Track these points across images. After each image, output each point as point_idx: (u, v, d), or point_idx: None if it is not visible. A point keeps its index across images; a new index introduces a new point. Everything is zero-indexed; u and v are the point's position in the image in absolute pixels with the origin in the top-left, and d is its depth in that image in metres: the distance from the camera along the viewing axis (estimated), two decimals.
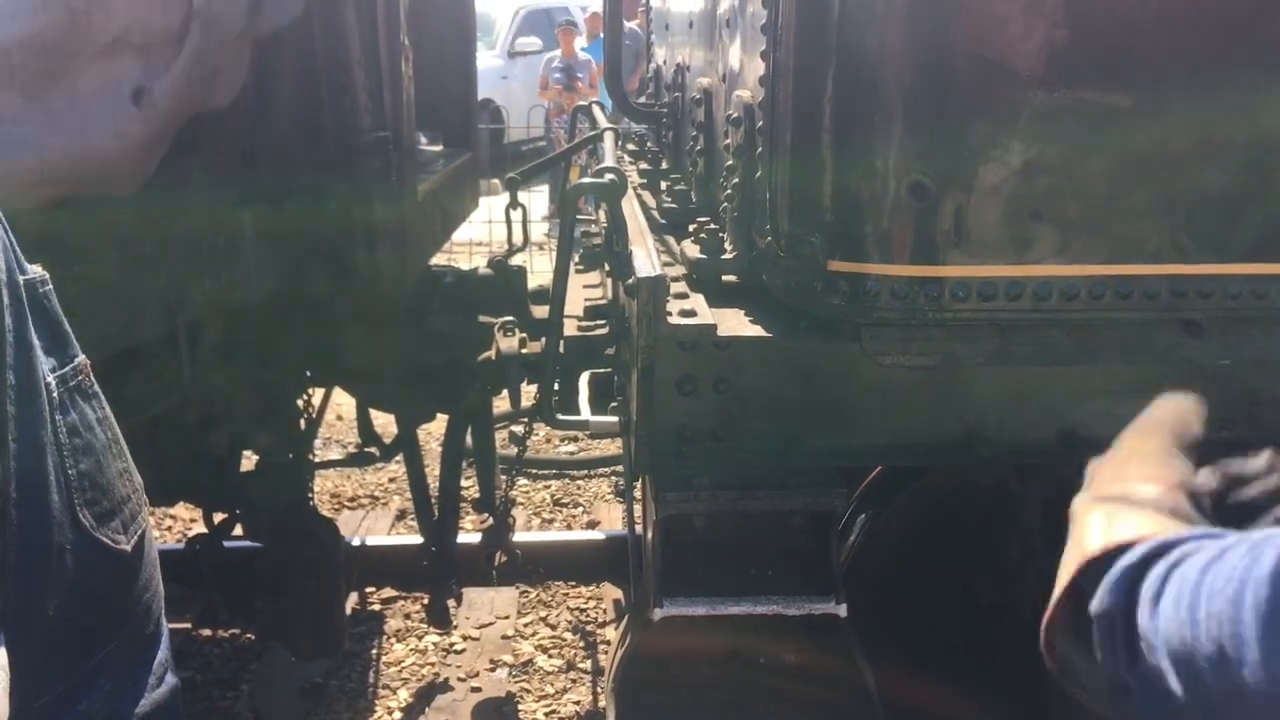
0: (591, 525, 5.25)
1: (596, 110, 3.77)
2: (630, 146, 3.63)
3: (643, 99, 4.10)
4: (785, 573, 1.98)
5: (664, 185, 2.90)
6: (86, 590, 1.10)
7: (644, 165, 3.17)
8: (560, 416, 2.16)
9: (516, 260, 3.39)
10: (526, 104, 12.79)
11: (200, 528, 3.85)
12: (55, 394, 1.07)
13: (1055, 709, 2.19)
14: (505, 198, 3.57)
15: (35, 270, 1.07)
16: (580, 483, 5.76)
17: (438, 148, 4.17)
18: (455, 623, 4.27)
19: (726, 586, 1.96)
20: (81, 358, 1.11)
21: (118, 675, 1.17)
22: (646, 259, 1.98)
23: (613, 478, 5.76)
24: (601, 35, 14.34)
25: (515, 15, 17.23)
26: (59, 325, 1.11)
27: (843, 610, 1.93)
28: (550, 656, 4.26)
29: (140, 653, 1.21)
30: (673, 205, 2.63)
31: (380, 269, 3.03)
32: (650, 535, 2.04)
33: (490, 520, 3.29)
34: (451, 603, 3.65)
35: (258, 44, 2.73)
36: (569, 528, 5.27)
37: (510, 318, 2.82)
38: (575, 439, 6.02)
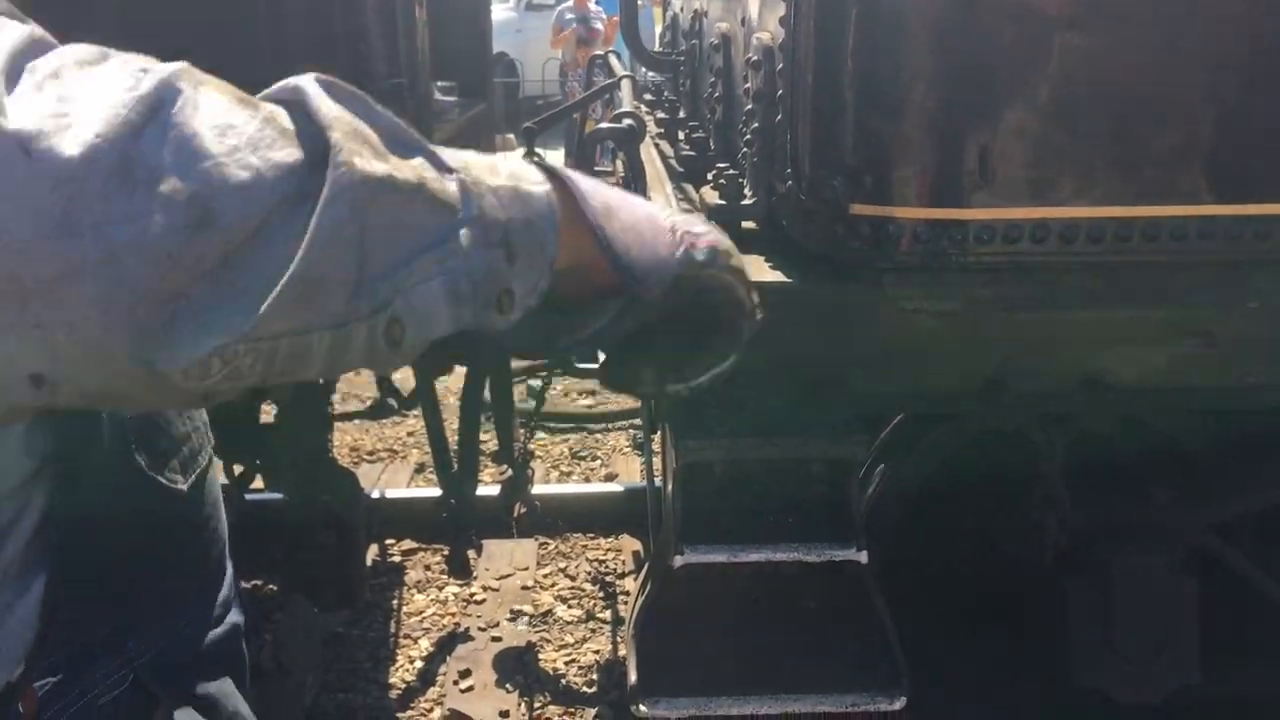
0: (610, 478, 5.26)
1: (613, 60, 3.73)
2: (647, 96, 3.59)
3: (659, 48, 4.05)
4: (806, 520, 1.98)
5: (682, 134, 2.87)
6: (143, 530, 1.09)
7: (661, 114, 3.13)
8: (578, 364, 2.15)
9: None
10: (541, 58, 12.65)
11: (221, 480, 3.86)
12: None
13: (1076, 656, 2.19)
14: (519, 153, 3.53)
15: None
16: (598, 436, 5.77)
17: (452, 99, 4.14)
18: (475, 574, 4.29)
19: (746, 534, 1.96)
20: None
21: (176, 612, 1.16)
22: (665, 205, 1.95)
23: (630, 431, 5.77)
24: None
25: None
26: None
27: (864, 557, 1.92)
28: (570, 607, 4.29)
29: (200, 590, 1.21)
30: (691, 153, 2.59)
31: None
32: (670, 483, 2.04)
33: (509, 472, 3.29)
34: (471, 554, 3.67)
35: None
36: (587, 480, 5.28)
37: None
38: (593, 392, 6.02)
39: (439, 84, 3.95)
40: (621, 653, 4.03)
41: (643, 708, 1.99)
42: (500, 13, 13.60)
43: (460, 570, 3.64)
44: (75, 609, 1.01)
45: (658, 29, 6.24)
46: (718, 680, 2.03)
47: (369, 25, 3.00)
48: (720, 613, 2.08)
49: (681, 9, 3.55)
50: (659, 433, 3.93)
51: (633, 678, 2.02)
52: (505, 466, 3.37)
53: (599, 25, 12.63)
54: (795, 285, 1.95)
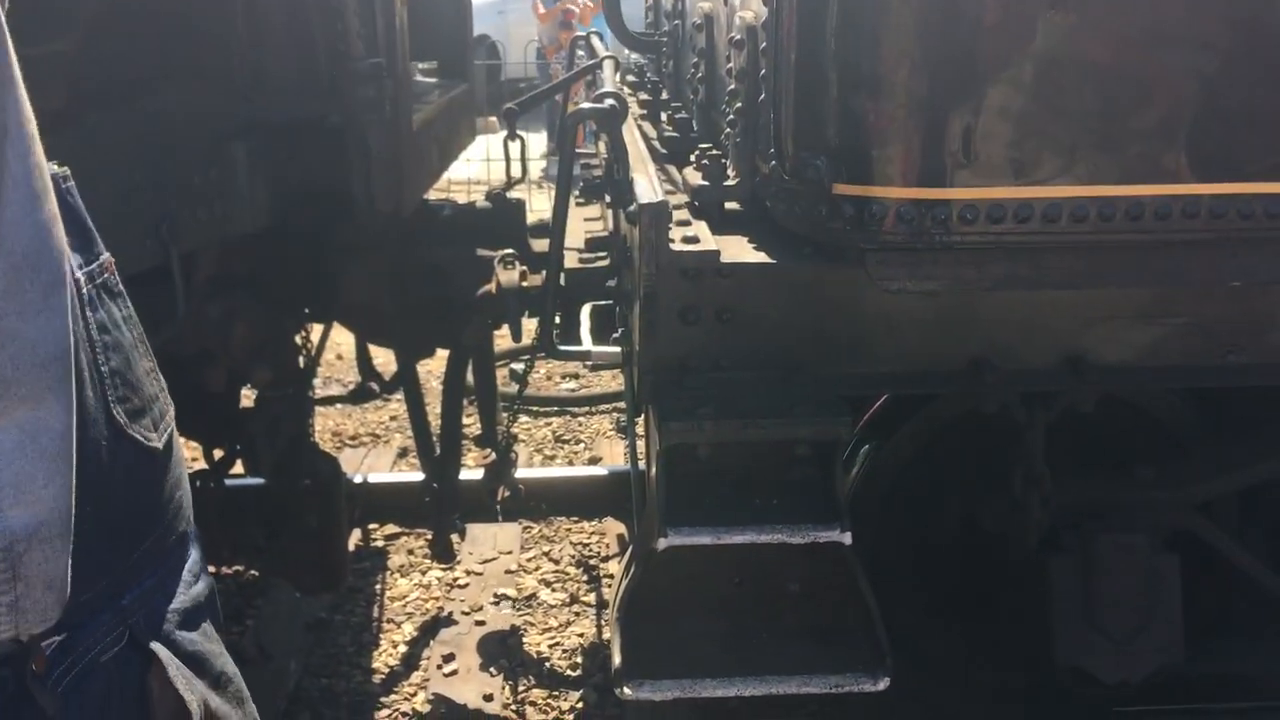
0: (593, 461, 5.24)
1: (595, 40, 3.70)
2: (630, 77, 3.57)
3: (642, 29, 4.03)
4: (790, 501, 1.97)
5: (664, 115, 2.85)
6: (123, 487, 1.11)
7: (644, 96, 3.12)
8: (562, 347, 2.14)
9: (514, 194, 3.33)
10: (523, 40, 12.58)
11: (201, 464, 3.84)
12: (84, 290, 1.07)
13: (1059, 636, 2.19)
14: (501, 135, 3.51)
15: (54, 167, 1.04)
16: (581, 419, 5.75)
17: (433, 80, 4.10)
18: (459, 558, 4.28)
19: (730, 516, 1.95)
20: (106, 255, 1.10)
21: (155, 572, 1.18)
22: (648, 185, 1.94)
23: (614, 414, 5.75)
24: None
25: None
26: (83, 222, 1.11)
27: (847, 538, 1.92)
28: (553, 590, 4.28)
29: (175, 550, 1.22)
30: (674, 134, 2.58)
31: (376, 199, 2.98)
32: (653, 466, 2.03)
33: (493, 457, 3.28)
34: (455, 538, 3.66)
35: None
36: (571, 464, 5.27)
37: (510, 250, 2.78)
38: (576, 376, 6.00)
39: (419, 65, 3.91)
40: (605, 636, 4.03)
41: (627, 690, 1.99)
42: None
43: (444, 554, 3.63)
44: (75, 566, 1.01)
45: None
46: (702, 662, 2.03)
47: (346, 4, 2.97)
48: (704, 595, 2.07)
49: None
50: (643, 415, 3.94)
51: (617, 660, 2.02)
52: (489, 450, 3.36)
53: (574, 9, 12.56)
54: (778, 265, 1.94)
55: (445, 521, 3.57)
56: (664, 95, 3.24)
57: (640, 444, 3.75)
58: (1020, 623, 2.30)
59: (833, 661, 2.00)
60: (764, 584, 2.07)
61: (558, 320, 2.41)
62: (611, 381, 5.91)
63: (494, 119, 9.96)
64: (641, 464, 3.79)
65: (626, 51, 4.09)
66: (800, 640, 2.06)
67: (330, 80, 2.93)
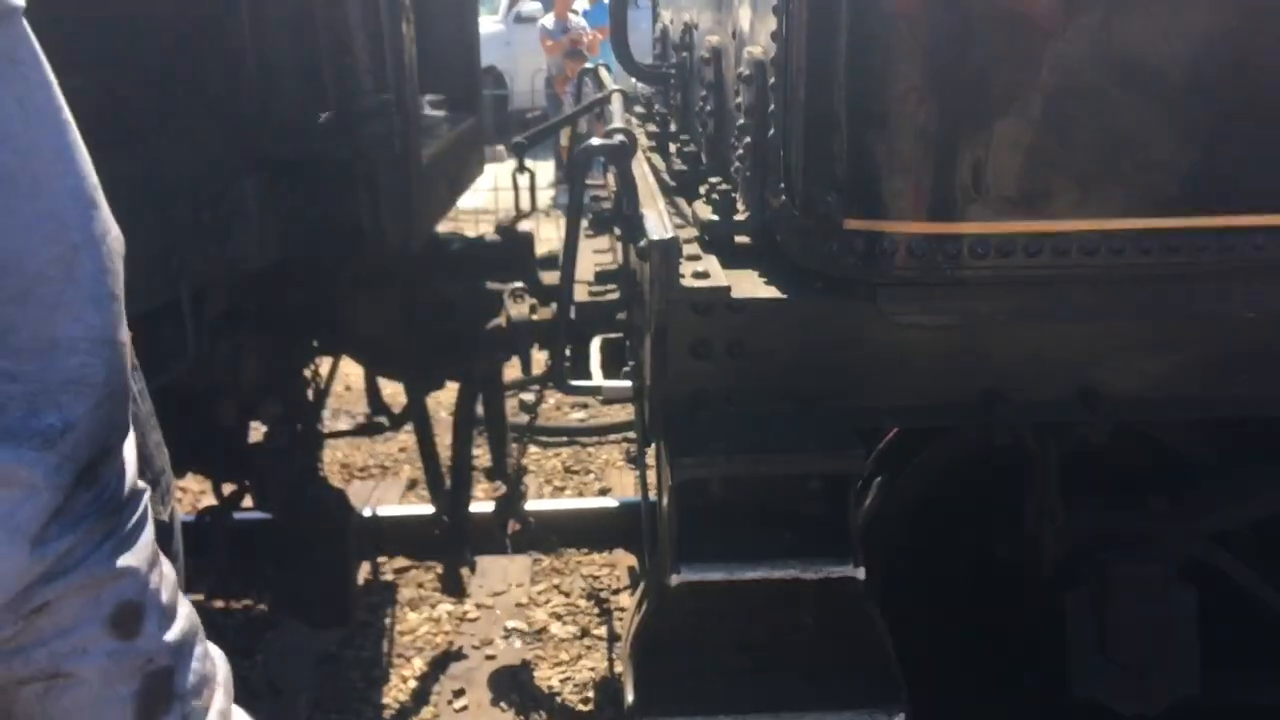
0: (603, 492, 5.24)
1: (603, 72, 3.73)
2: (638, 108, 3.59)
3: (649, 60, 4.05)
4: (802, 536, 1.96)
5: (673, 147, 2.87)
6: None
7: (652, 127, 3.13)
8: (572, 382, 2.14)
9: (523, 226, 3.35)
10: (530, 70, 12.68)
11: (210, 499, 3.85)
12: None
13: (1075, 669, 2.18)
14: (510, 165, 3.53)
15: None
16: (591, 449, 5.75)
17: (441, 113, 4.13)
18: (469, 591, 4.27)
19: (743, 551, 1.94)
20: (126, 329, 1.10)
21: None
22: (658, 221, 1.95)
23: (624, 444, 5.75)
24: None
25: None
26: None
27: (860, 573, 1.91)
28: (564, 624, 4.27)
29: None
30: (683, 167, 2.59)
31: (385, 234, 3.00)
32: (665, 501, 2.02)
33: (503, 489, 3.28)
34: (465, 571, 3.65)
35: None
36: (581, 495, 5.26)
37: (520, 284, 2.79)
38: (585, 405, 6.01)
39: (427, 98, 3.94)
40: (617, 669, 4.01)
41: None
42: (489, 25, 13.62)
43: (454, 588, 3.63)
44: None
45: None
46: (716, 698, 2.02)
47: (354, 41, 2.99)
48: (717, 630, 2.06)
49: (671, 21, 3.55)
50: (653, 448, 3.93)
51: (630, 697, 2.01)
52: (499, 482, 3.36)
53: (584, 37, 12.66)
54: (789, 300, 1.94)
55: (456, 554, 3.57)
56: (672, 127, 3.26)
57: (650, 476, 3.74)
58: (1035, 655, 2.28)
59: (848, 696, 1.99)
60: (777, 618, 2.05)
61: (568, 354, 2.41)
62: (621, 412, 5.91)
63: (501, 148, 10.03)
64: (653, 496, 3.79)
65: (633, 81, 4.12)
66: (814, 675, 2.05)
67: (339, 117, 2.96)
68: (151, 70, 2.76)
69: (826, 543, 1.95)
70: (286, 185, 2.94)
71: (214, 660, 0.98)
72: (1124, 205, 1.79)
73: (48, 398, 0.81)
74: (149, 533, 0.91)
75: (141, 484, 0.92)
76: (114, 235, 0.90)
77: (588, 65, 3.85)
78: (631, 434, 5.75)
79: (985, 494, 2.32)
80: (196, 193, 2.77)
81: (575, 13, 13.12)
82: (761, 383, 1.97)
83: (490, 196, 8.44)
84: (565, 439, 5.80)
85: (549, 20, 13.12)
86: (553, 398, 6.02)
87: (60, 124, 0.86)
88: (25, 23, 0.84)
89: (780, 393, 1.98)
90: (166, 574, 0.92)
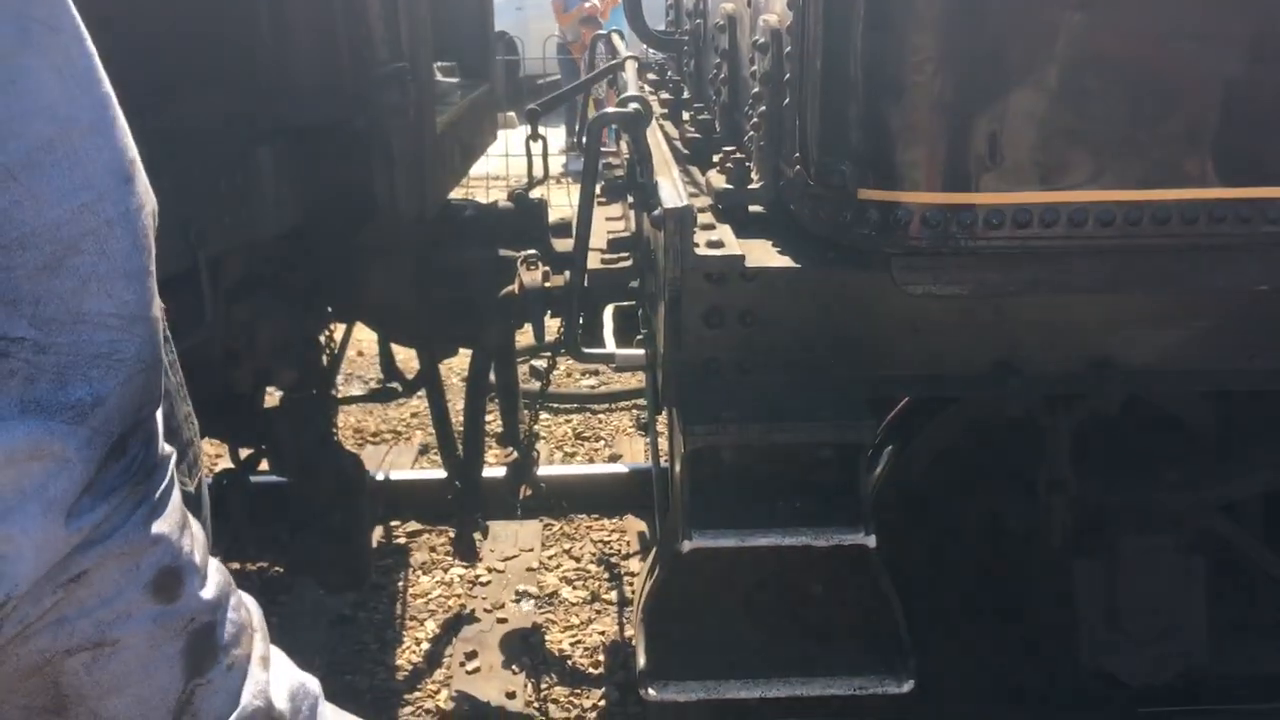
0: (614, 459, 5.26)
1: (616, 39, 3.71)
2: (650, 75, 3.57)
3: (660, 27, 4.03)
4: (814, 504, 1.98)
5: (686, 115, 2.86)
6: None
7: (665, 95, 3.12)
8: (586, 350, 2.14)
9: (536, 193, 3.35)
10: (541, 36, 12.61)
11: (226, 463, 3.88)
12: None
13: (1084, 637, 2.19)
14: (522, 131, 3.52)
15: None
16: (601, 416, 5.77)
17: (454, 80, 4.11)
18: (481, 556, 4.30)
19: (754, 518, 1.96)
20: (159, 300, 1.11)
21: None
22: (673, 189, 1.95)
23: (634, 411, 5.76)
24: None
25: None
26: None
27: (872, 541, 1.92)
28: (575, 588, 4.30)
29: None
30: (696, 135, 2.58)
31: (399, 202, 3.00)
32: (678, 468, 2.04)
33: (515, 454, 3.30)
34: (478, 536, 3.68)
35: None
36: (591, 461, 5.28)
37: (533, 251, 2.80)
38: (596, 373, 6.01)
39: (440, 65, 3.92)
40: (627, 634, 4.04)
41: (651, 691, 2.00)
42: None
43: (467, 552, 3.65)
44: None
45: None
46: (726, 664, 2.04)
47: (370, 10, 2.98)
48: (728, 596, 2.08)
49: None
50: (663, 414, 3.94)
51: (641, 662, 2.03)
52: (511, 448, 3.37)
53: (598, 2, 12.58)
54: (803, 269, 1.95)
55: (468, 520, 3.59)
56: (685, 94, 3.24)
57: (661, 443, 3.75)
58: (1044, 624, 2.30)
59: (857, 663, 2.01)
60: (788, 585, 2.07)
61: (581, 322, 2.42)
62: (631, 378, 5.91)
63: (513, 115, 10.00)
64: (664, 463, 3.80)
65: (644, 47, 4.09)
66: (824, 642, 2.07)
67: (355, 85, 2.95)
68: (166, 38, 2.76)
69: (838, 510, 1.96)
70: (302, 153, 2.94)
71: (247, 608, 0.99)
72: (1140, 177, 1.79)
73: (77, 371, 0.81)
74: (177, 495, 0.92)
75: (167, 448, 0.92)
76: (149, 209, 0.89)
77: (600, 32, 3.83)
78: (641, 401, 5.77)
79: (995, 463, 2.33)
80: (214, 161, 2.77)
81: None
82: (773, 351, 1.98)
83: (501, 163, 8.41)
84: (576, 406, 5.81)
85: None
86: (563, 365, 6.03)
87: (100, 95, 0.85)
88: None
89: (791, 361, 1.98)
90: (196, 534, 0.93)
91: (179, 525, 0.90)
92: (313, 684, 1.02)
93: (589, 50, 4.13)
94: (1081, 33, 1.74)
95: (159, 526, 0.87)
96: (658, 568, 2.14)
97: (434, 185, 3.25)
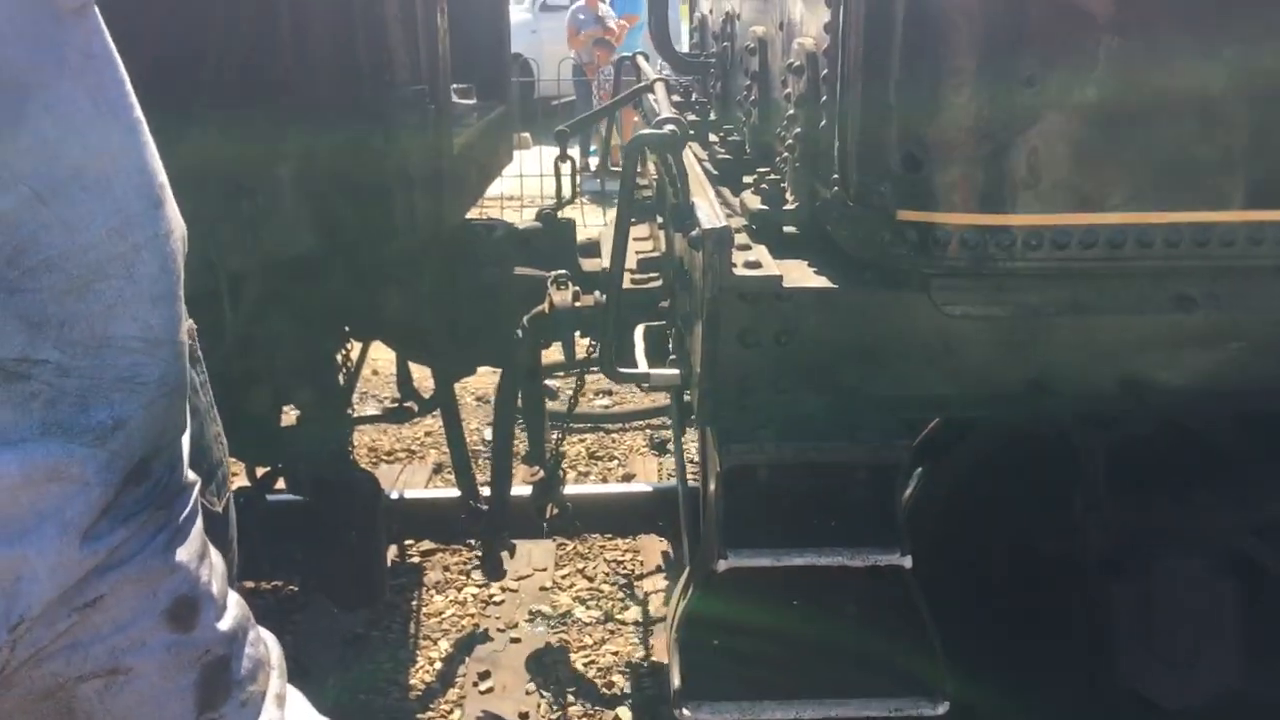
0: (627, 478, 5.26)
1: (642, 61, 3.73)
2: (675, 97, 3.59)
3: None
4: (849, 524, 1.98)
5: (714, 137, 2.87)
6: None
7: (692, 116, 3.14)
8: (620, 369, 2.15)
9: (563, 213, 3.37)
10: (556, 58, 12.74)
11: (243, 482, 3.88)
12: None
13: (1117, 659, 2.19)
14: (536, 152, 3.54)
15: None
16: (615, 436, 5.77)
17: (471, 100, 4.14)
18: (505, 573, 4.31)
19: (790, 538, 1.96)
20: (190, 321, 1.09)
21: None
22: (710, 210, 1.96)
23: (647, 431, 5.77)
24: None
25: None
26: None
27: (907, 562, 1.93)
28: (588, 608, 4.29)
29: None
30: (727, 156, 2.60)
31: (418, 222, 3.02)
32: (713, 487, 2.04)
33: (541, 473, 3.30)
34: (505, 555, 3.68)
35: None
36: (604, 480, 5.28)
37: (563, 271, 2.81)
38: (610, 392, 6.02)
39: (457, 86, 3.95)
40: (640, 654, 4.04)
41: (686, 712, 1.99)
42: (516, 14, 13.65)
43: (494, 571, 3.65)
44: None
45: (685, 27, 6.23)
46: (761, 685, 2.03)
47: (390, 34, 3.01)
48: (763, 616, 2.08)
49: (711, 11, 3.55)
50: (686, 433, 3.95)
51: (676, 682, 2.03)
52: (536, 468, 3.38)
53: (613, 25, 12.69)
54: (840, 290, 1.95)
55: (496, 538, 3.59)
56: (712, 116, 3.26)
57: (689, 462, 3.75)
58: (1079, 646, 2.29)
59: (892, 685, 2.01)
60: (823, 605, 2.07)
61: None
62: (645, 398, 5.92)
63: (527, 135, 10.04)
64: (690, 482, 3.81)
65: (659, 67, 4.11)
66: (858, 663, 2.06)
67: (374, 106, 2.98)
68: (187, 59, 2.78)
69: (873, 531, 1.96)
70: (322, 173, 2.96)
71: (266, 644, 0.98)
72: (1179, 199, 1.80)
73: (100, 394, 0.81)
74: (199, 525, 0.91)
75: (192, 476, 0.91)
76: (178, 235, 0.89)
77: (625, 54, 3.86)
78: (655, 421, 5.77)
79: (1025, 485, 2.33)
80: (235, 181, 2.79)
81: (604, 1, 13.17)
82: (808, 370, 1.98)
83: (516, 183, 8.44)
84: (589, 425, 5.82)
85: (581, 9, 13.19)
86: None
87: (131, 121, 0.86)
88: (99, 16, 0.84)
89: (826, 381, 1.99)
90: (216, 564, 0.92)
91: (198, 554, 0.90)
92: None
93: (614, 73, 4.16)
94: (1120, 55, 1.75)
95: (179, 554, 0.86)
96: (692, 587, 2.14)
97: (451, 205, 3.27)
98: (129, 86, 0.86)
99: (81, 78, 0.81)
